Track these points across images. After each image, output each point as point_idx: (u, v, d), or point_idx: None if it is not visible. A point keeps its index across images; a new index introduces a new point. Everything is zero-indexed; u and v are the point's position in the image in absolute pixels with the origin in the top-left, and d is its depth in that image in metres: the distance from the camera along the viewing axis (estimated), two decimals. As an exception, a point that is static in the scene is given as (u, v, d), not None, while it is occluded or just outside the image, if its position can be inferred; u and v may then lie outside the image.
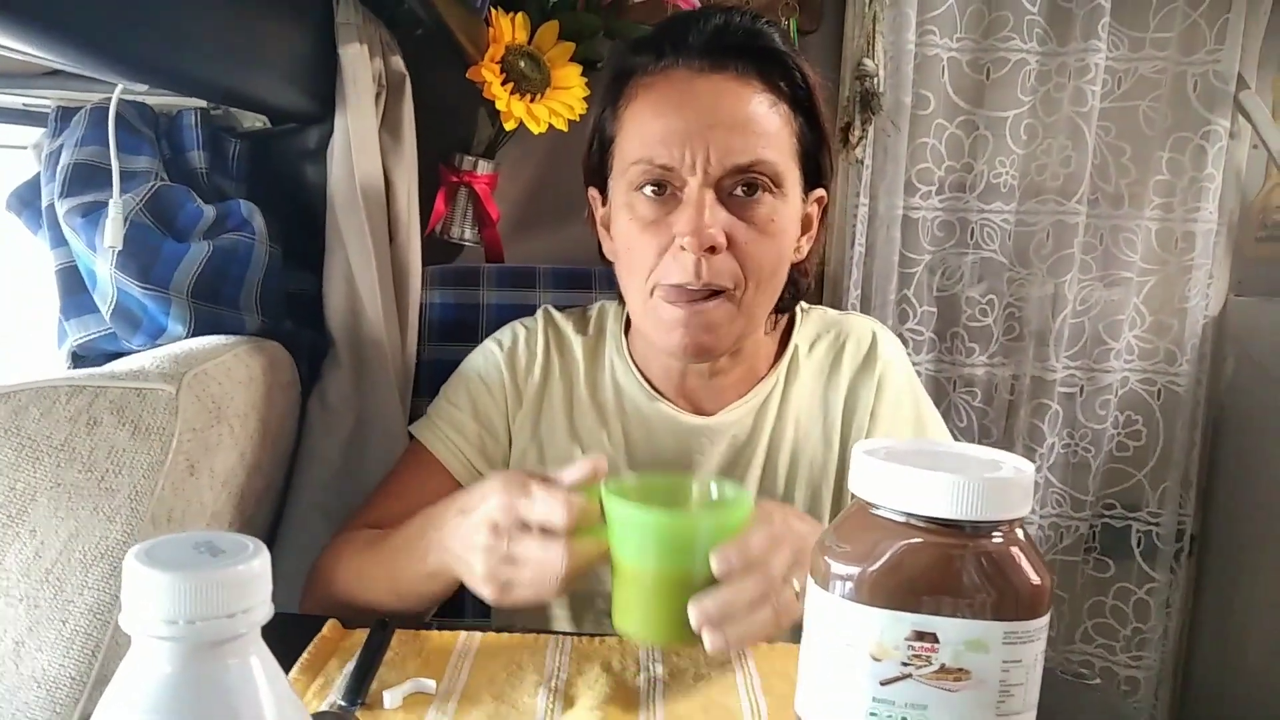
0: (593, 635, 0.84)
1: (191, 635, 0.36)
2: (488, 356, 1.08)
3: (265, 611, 0.39)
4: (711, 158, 0.89)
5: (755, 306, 0.95)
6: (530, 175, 1.58)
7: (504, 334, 1.10)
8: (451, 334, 1.39)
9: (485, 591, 0.75)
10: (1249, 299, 1.71)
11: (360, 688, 0.71)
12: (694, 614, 0.69)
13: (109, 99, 1.05)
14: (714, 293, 0.92)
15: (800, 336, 1.07)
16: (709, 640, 0.69)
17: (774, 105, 0.92)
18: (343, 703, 0.69)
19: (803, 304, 1.11)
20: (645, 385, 1.04)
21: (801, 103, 0.94)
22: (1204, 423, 1.72)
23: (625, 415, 1.04)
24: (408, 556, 0.86)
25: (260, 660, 0.39)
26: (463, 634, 0.83)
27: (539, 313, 1.13)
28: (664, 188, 0.92)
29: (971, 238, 1.66)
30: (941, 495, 0.59)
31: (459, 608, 1.16)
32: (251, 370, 0.98)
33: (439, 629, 0.84)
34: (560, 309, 1.14)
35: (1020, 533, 0.62)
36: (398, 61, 1.23)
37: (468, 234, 1.55)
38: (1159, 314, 1.69)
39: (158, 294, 1.00)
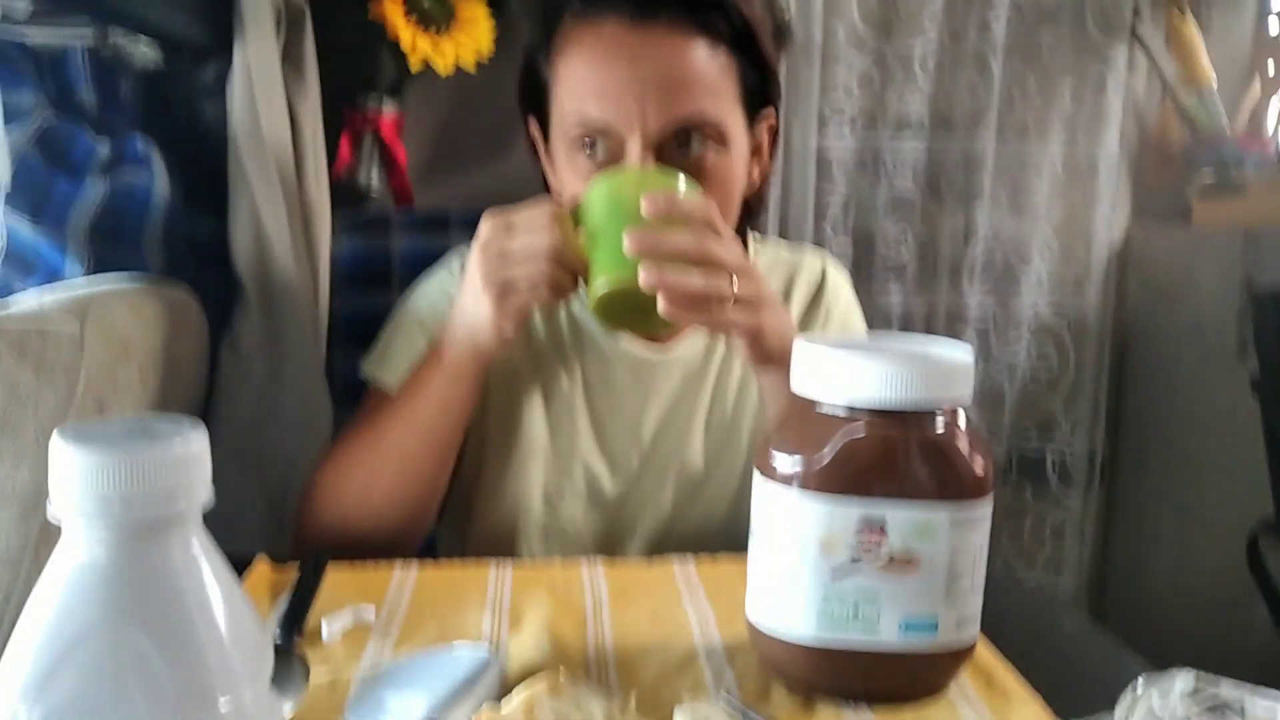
0: (530, 555, 0.83)
1: (127, 517, 0.34)
2: (441, 294, 1.01)
3: (206, 492, 0.36)
4: (649, 116, 0.86)
5: None
6: (437, 117, 1.53)
7: (453, 264, 1.04)
8: (362, 282, 1.34)
9: (485, 302, 0.82)
10: (1149, 225, 1.77)
11: (297, 620, 0.68)
12: (628, 241, 0.77)
13: (-16, 34, 0.99)
14: None
15: None
16: (642, 272, 0.76)
17: (711, 52, 0.89)
18: (279, 632, 0.66)
19: (756, 236, 1.10)
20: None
21: (741, 40, 0.91)
22: (1111, 348, 1.77)
23: (582, 350, 1.02)
24: (417, 391, 0.90)
25: (202, 544, 0.36)
26: (398, 567, 0.81)
27: None
28: (603, 148, 0.89)
29: (884, 171, 1.67)
30: (883, 382, 0.60)
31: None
32: (158, 311, 0.93)
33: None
34: None
35: (961, 417, 0.63)
36: (297, -7, 1.18)
37: (375, 178, 1.50)
38: (1066, 242, 1.73)
39: (52, 234, 0.95)
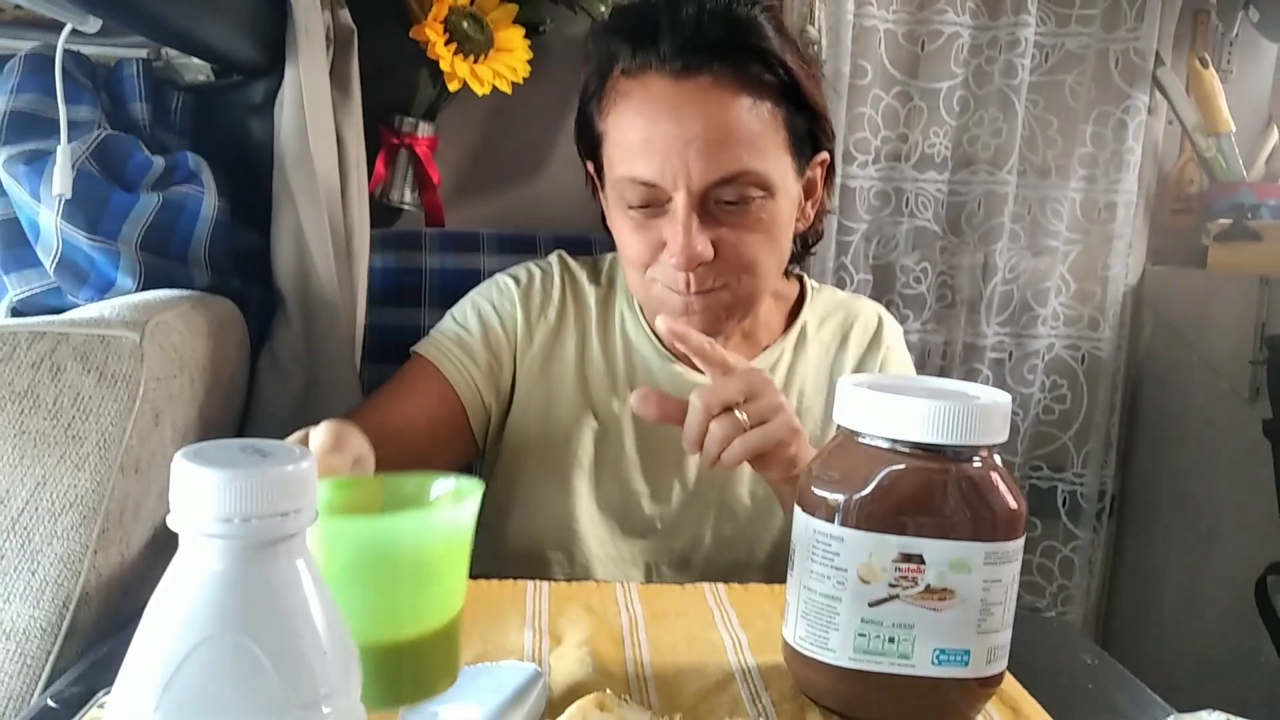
0: (569, 580, 0.85)
1: (245, 534, 0.36)
2: (503, 290, 1.06)
3: (312, 514, 0.39)
4: (693, 173, 0.88)
5: (754, 294, 0.96)
6: (471, 138, 1.57)
7: (519, 271, 1.09)
8: (394, 299, 1.37)
9: None
10: (1165, 268, 1.79)
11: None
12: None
13: (42, 46, 1.01)
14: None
15: (810, 313, 1.09)
16: (701, 461, 0.79)
17: (755, 105, 0.89)
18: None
19: (813, 282, 1.13)
20: (655, 342, 1.04)
21: (787, 89, 0.91)
22: (1124, 387, 1.79)
23: (634, 371, 1.04)
24: None
25: (305, 562, 0.39)
26: (437, 581, 0.83)
27: (554, 257, 1.11)
28: (650, 202, 0.91)
29: (906, 207, 1.70)
30: (925, 421, 0.62)
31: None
32: (207, 323, 0.96)
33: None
34: (573, 257, 1.13)
35: (997, 459, 0.65)
36: (345, 15, 1.21)
37: (408, 197, 1.53)
38: (1083, 282, 1.76)
39: (106, 246, 0.97)
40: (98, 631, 0.75)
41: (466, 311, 1.06)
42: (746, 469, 1.02)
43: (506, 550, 1.04)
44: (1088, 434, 1.78)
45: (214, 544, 0.36)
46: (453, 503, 0.55)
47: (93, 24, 0.91)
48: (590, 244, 1.32)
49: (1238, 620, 1.54)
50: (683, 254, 0.89)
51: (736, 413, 0.77)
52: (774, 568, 1.03)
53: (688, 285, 0.91)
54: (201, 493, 0.36)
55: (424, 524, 0.52)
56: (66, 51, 1.03)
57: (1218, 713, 0.49)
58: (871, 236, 1.70)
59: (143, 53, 1.12)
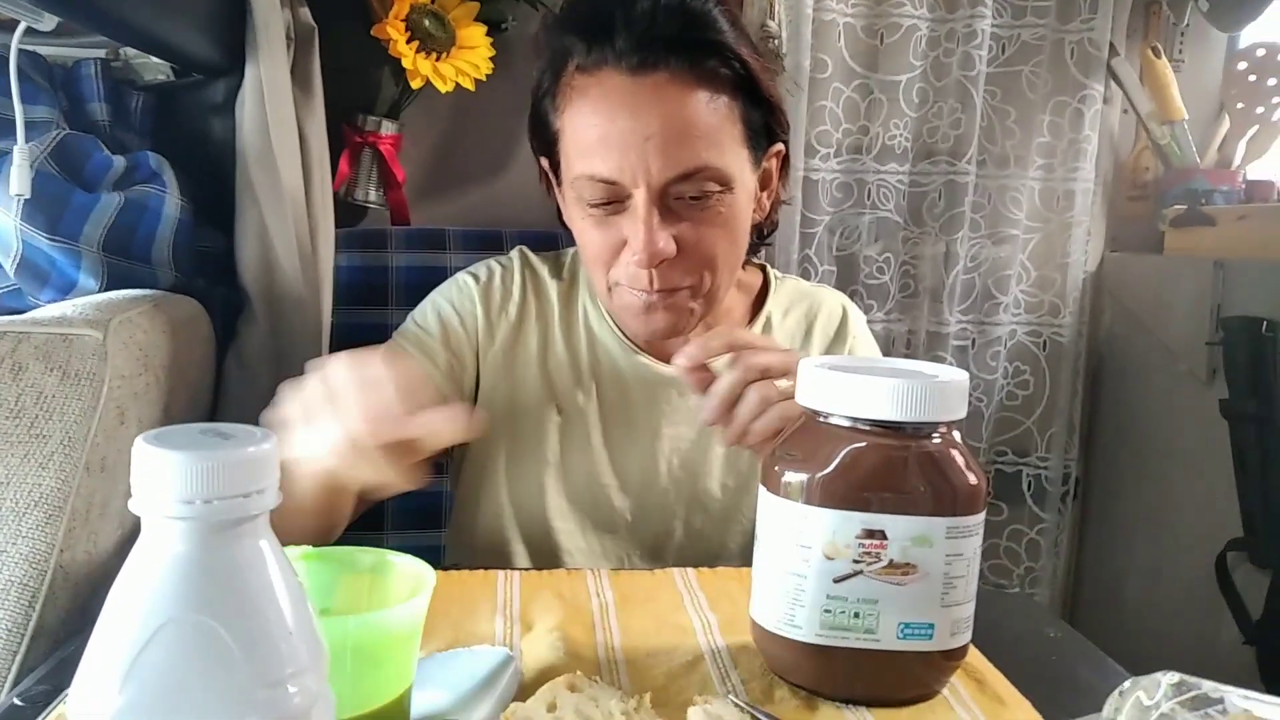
0: (539, 569, 0.86)
1: (208, 515, 0.36)
2: (462, 288, 1.06)
3: (275, 495, 0.39)
4: (652, 169, 0.87)
5: (717, 289, 0.96)
6: (435, 136, 1.57)
7: (479, 268, 1.08)
8: (360, 297, 1.37)
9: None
10: (1122, 254, 1.82)
11: (314, 622, 0.71)
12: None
13: (-1, 47, 1.01)
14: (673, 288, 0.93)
15: (774, 304, 1.09)
16: (726, 436, 0.80)
17: (712, 100, 0.89)
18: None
19: (776, 272, 1.13)
20: (618, 333, 1.04)
21: (743, 83, 0.90)
22: (1085, 371, 1.82)
23: (598, 363, 1.04)
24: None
25: (269, 543, 0.39)
26: (407, 573, 0.83)
27: (515, 252, 1.11)
28: (610, 199, 0.90)
29: (868, 198, 1.72)
30: (885, 399, 0.63)
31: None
32: (172, 323, 0.96)
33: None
34: (535, 252, 1.12)
35: (956, 435, 0.66)
36: (306, 14, 1.21)
37: (372, 196, 1.53)
38: (1043, 269, 1.79)
39: (67, 246, 0.97)
40: (65, 630, 0.75)
41: (426, 312, 1.05)
42: (717, 462, 1.03)
43: (476, 546, 1.04)
44: (1051, 418, 1.81)
45: (176, 526, 0.36)
46: (407, 598, 0.54)
47: (48, 21, 0.90)
48: (556, 239, 1.32)
49: (1200, 596, 1.57)
50: (645, 251, 0.89)
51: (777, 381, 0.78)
52: (746, 557, 1.03)
53: (651, 283, 0.91)
54: (163, 475, 0.36)
55: (372, 623, 0.51)
56: (22, 51, 1.03)
57: (1172, 673, 0.51)
58: (835, 228, 1.72)
59: (101, 52, 1.12)
